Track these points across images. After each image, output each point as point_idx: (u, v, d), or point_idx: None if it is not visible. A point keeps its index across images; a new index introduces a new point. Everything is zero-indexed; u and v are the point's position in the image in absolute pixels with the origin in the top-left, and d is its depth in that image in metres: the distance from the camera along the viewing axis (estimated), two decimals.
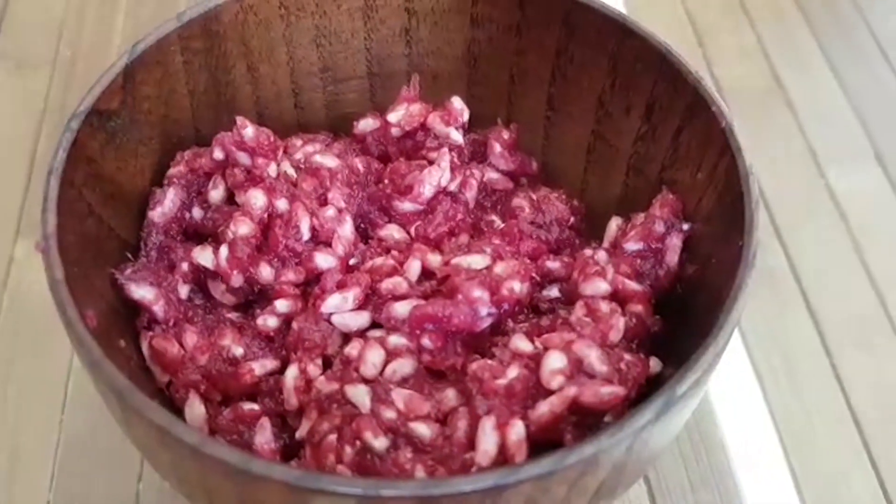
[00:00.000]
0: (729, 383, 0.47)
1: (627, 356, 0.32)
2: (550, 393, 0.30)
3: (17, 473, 0.42)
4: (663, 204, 0.36)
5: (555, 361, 0.31)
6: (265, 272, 0.36)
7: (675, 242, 0.35)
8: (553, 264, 0.37)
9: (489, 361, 0.32)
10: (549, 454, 0.25)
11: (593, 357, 0.31)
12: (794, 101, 0.60)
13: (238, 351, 0.35)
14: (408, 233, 0.38)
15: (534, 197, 0.40)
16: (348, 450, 0.31)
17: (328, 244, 0.37)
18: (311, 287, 0.36)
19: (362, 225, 0.39)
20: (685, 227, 0.36)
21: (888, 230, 0.53)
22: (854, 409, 0.46)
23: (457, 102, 0.40)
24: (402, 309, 0.34)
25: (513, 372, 0.31)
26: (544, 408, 0.29)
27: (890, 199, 0.55)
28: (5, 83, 0.58)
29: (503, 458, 0.29)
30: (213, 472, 0.26)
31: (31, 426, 0.43)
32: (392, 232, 0.38)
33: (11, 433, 0.43)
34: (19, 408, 0.44)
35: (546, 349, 0.32)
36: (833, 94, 0.60)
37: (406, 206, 0.38)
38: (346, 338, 0.35)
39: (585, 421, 0.30)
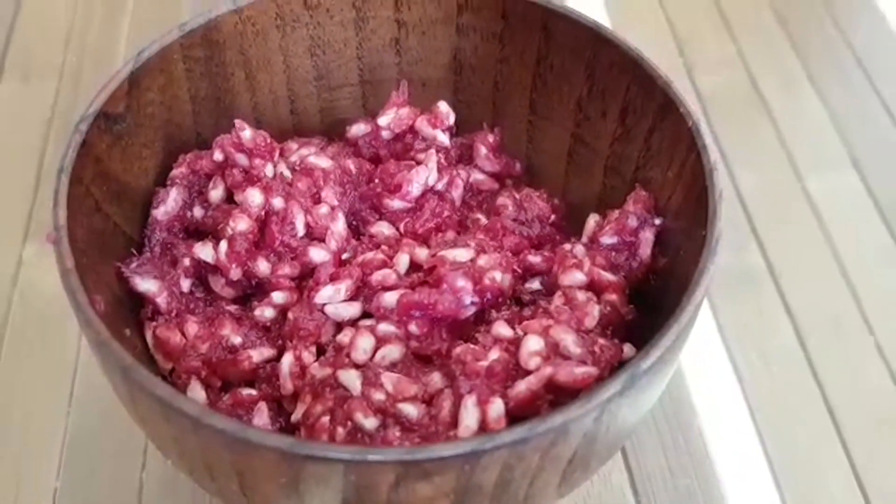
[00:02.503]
0: (707, 376, 0.49)
1: (602, 341, 0.34)
2: (529, 373, 0.32)
3: (26, 461, 0.44)
4: (636, 200, 0.38)
5: (533, 344, 0.33)
6: (262, 266, 0.38)
7: (647, 236, 0.37)
8: (535, 258, 0.39)
9: (472, 346, 0.34)
10: (523, 423, 0.27)
11: (569, 340, 0.33)
12: (773, 109, 0.62)
13: (237, 340, 0.37)
14: (397, 229, 0.40)
15: (517, 196, 0.42)
16: (340, 430, 0.33)
17: (322, 240, 0.39)
18: (305, 280, 0.38)
19: (354, 222, 0.41)
20: (657, 221, 0.38)
21: (863, 232, 0.55)
22: (828, 399, 0.48)
23: (443, 107, 0.42)
24: (391, 299, 0.36)
25: (494, 354, 0.33)
26: (522, 386, 0.32)
27: (865, 203, 0.57)
28: (15, 92, 0.61)
29: (484, 432, 0.31)
30: (213, 442, 0.28)
31: (39, 417, 0.45)
32: (382, 228, 0.40)
33: (21, 423, 0.45)
34: (28, 400, 0.46)
35: (525, 334, 0.34)
36: (811, 101, 0.62)
37: (395, 203, 0.40)
38: (339, 326, 0.37)
39: (561, 399, 0.32)
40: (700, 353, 0.49)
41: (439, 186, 0.41)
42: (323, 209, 0.39)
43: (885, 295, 0.52)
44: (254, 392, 0.36)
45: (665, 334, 0.29)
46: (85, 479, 0.43)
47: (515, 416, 0.32)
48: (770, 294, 0.52)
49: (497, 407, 0.31)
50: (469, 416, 0.31)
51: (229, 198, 0.40)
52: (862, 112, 0.62)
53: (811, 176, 0.58)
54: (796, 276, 0.53)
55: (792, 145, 0.60)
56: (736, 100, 0.62)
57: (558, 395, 0.32)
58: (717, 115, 0.61)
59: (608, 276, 0.36)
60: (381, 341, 0.35)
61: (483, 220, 0.41)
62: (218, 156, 0.40)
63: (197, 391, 0.36)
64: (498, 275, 0.36)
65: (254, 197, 0.38)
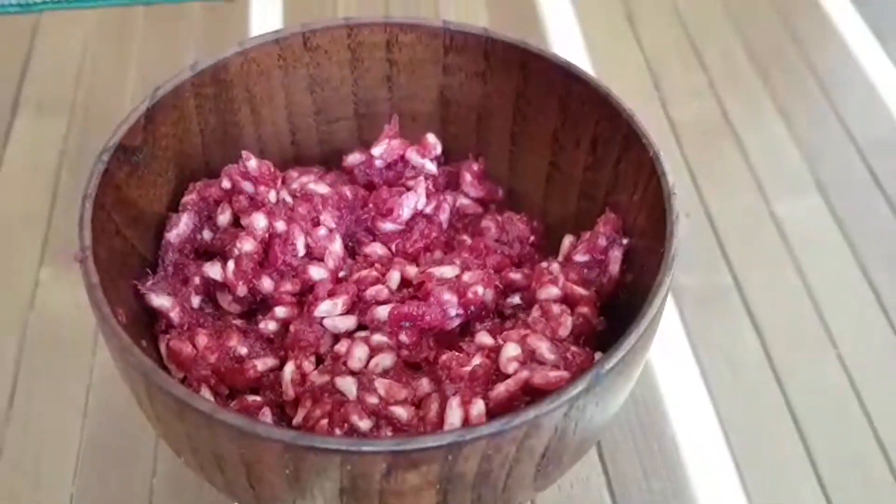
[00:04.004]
0: (680, 387, 0.52)
1: (574, 348, 0.37)
2: (507, 377, 0.36)
3: (43, 469, 0.47)
4: (606, 222, 0.42)
5: (511, 350, 0.36)
6: (266, 283, 0.41)
7: (616, 255, 0.41)
8: (515, 275, 0.42)
9: (457, 353, 0.37)
10: (500, 418, 0.31)
11: (544, 348, 0.36)
12: (742, 137, 0.65)
13: (243, 350, 0.40)
14: (389, 249, 0.43)
15: (499, 219, 0.45)
16: (338, 431, 0.36)
17: (320, 259, 0.42)
18: (305, 296, 0.41)
19: (350, 243, 0.44)
20: (624, 241, 0.41)
21: (827, 253, 0.58)
22: (792, 407, 0.51)
23: (431, 138, 0.46)
24: (383, 312, 0.39)
25: (476, 360, 0.36)
26: (501, 388, 0.35)
27: (829, 224, 0.60)
28: (29, 126, 0.64)
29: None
30: (223, 437, 0.31)
31: (56, 428, 0.48)
32: (376, 249, 0.43)
33: (39, 434, 0.48)
34: (45, 412, 0.49)
35: (505, 342, 0.37)
36: (778, 129, 0.66)
37: (388, 226, 0.44)
38: (336, 338, 0.40)
39: (536, 401, 0.35)
40: (673, 365, 0.53)
41: (428, 210, 0.45)
42: (322, 231, 0.42)
43: (846, 310, 0.55)
44: (258, 398, 0.39)
45: (627, 338, 0.33)
46: (99, 485, 0.46)
47: (495, 415, 0.35)
48: (738, 311, 0.55)
49: (478, 407, 0.35)
50: (453, 415, 0.34)
51: (236, 222, 0.43)
52: (826, 139, 0.65)
53: (778, 200, 0.61)
54: (763, 294, 0.56)
55: (760, 171, 0.63)
56: (707, 129, 0.66)
57: (534, 396, 0.36)
58: (689, 144, 0.65)
59: (581, 291, 0.40)
60: (374, 350, 0.38)
61: (468, 240, 0.45)
62: (226, 184, 0.43)
63: (207, 397, 0.39)
64: (481, 289, 0.39)
65: (258, 221, 0.41)
